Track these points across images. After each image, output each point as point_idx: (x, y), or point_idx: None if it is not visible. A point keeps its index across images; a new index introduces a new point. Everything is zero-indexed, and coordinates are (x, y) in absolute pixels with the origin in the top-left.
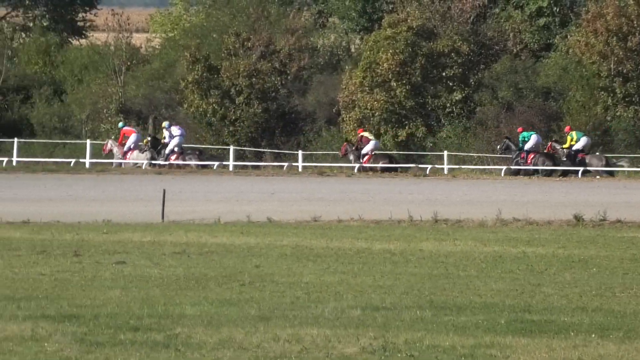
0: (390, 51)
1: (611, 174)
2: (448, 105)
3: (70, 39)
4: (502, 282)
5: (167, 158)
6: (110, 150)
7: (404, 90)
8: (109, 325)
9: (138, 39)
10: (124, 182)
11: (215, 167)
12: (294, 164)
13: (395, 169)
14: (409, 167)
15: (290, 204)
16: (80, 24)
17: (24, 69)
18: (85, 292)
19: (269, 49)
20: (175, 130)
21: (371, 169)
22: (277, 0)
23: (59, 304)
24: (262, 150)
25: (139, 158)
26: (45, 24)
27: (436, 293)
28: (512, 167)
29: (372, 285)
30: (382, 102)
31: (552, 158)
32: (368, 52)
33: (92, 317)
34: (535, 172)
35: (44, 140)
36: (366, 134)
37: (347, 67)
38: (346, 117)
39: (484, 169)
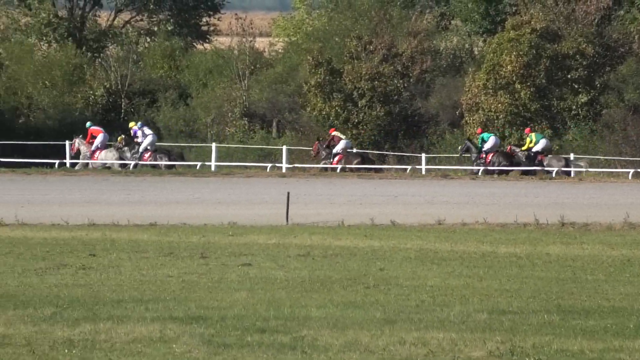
0: (514, 53)
1: (568, 174)
2: (574, 107)
3: (194, 43)
4: (630, 286)
5: (140, 157)
6: (78, 150)
7: (528, 92)
8: (236, 327)
9: (261, 43)
10: (249, 185)
11: (196, 167)
12: (417, 167)
13: (368, 168)
14: (382, 168)
15: (414, 207)
16: (204, 28)
17: (149, 73)
18: (212, 294)
19: (391, 52)
20: (148, 131)
21: (343, 168)
22: (399, 3)
23: (186, 305)
24: (385, 153)
25: (107, 158)
26: (169, 28)
27: (564, 297)
28: (474, 167)
29: (498, 289)
30: (506, 104)
31: (509, 157)
32: (491, 55)
33: (219, 318)
34: (494, 171)
35: (170, 144)
36: (337, 133)
37: (470, 70)
38: (469, 119)
39: (611, 172)
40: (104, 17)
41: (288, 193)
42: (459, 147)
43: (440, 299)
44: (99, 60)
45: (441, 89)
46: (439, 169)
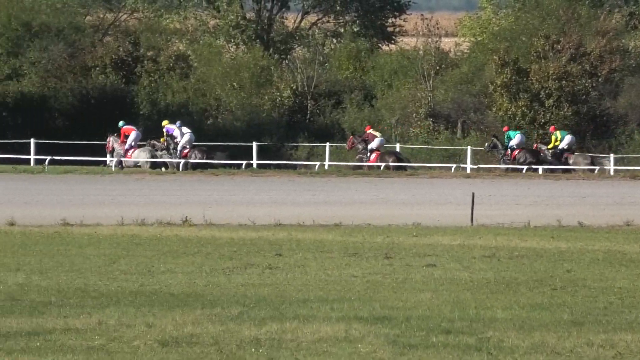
0: None
1: (593, 172)
2: None
3: (379, 44)
4: None
5: (180, 155)
6: (113, 149)
7: None
8: (420, 328)
9: (446, 43)
10: (433, 186)
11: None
12: (605, 167)
13: (404, 167)
14: (415, 166)
15: (602, 208)
16: (390, 29)
17: (335, 74)
18: (396, 294)
19: (579, 51)
20: (186, 129)
21: (378, 167)
22: (588, 2)
23: (371, 305)
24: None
25: (140, 156)
26: (355, 29)
27: None
28: (500, 165)
29: None
30: None
31: (536, 154)
32: None
33: (404, 319)
34: (520, 168)
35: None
36: (372, 131)
37: None
38: None
39: None
40: (290, 19)
41: (473, 194)
42: (486, 144)
43: (629, 300)
44: (286, 62)
45: (630, 89)
46: (627, 170)
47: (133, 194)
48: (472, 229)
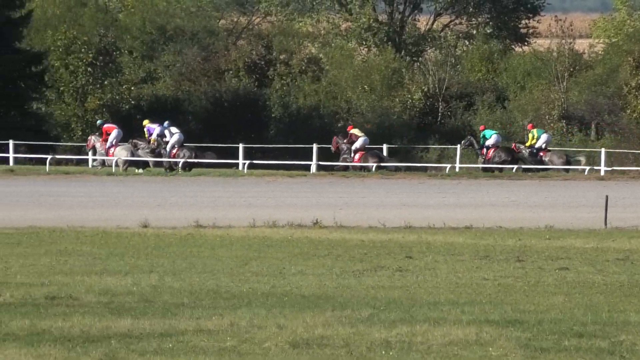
0: None
1: (567, 170)
2: None
3: (512, 46)
4: None
5: (169, 155)
6: (94, 147)
7: None
8: (552, 331)
9: (581, 44)
10: (566, 188)
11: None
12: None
13: (385, 167)
14: (399, 166)
15: None
16: (523, 30)
17: (467, 76)
18: (528, 298)
19: None
20: (175, 130)
21: (362, 168)
22: None
23: (502, 308)
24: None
25: (120, 154)
26: (488, 31)
27: None
28: (480, 164)
29: None
30: None
31: (512, 153)
32: None
33: (536, 322)
34: (495, 167)
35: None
36: (355, 131)
37: None
38: None
39: None
40: (422, 21)
41: (607, 196)
42: (462, 142)
43: None
44: (417, 64)
45: None
46: None
47: (264, 196)
48: (605, 232)
